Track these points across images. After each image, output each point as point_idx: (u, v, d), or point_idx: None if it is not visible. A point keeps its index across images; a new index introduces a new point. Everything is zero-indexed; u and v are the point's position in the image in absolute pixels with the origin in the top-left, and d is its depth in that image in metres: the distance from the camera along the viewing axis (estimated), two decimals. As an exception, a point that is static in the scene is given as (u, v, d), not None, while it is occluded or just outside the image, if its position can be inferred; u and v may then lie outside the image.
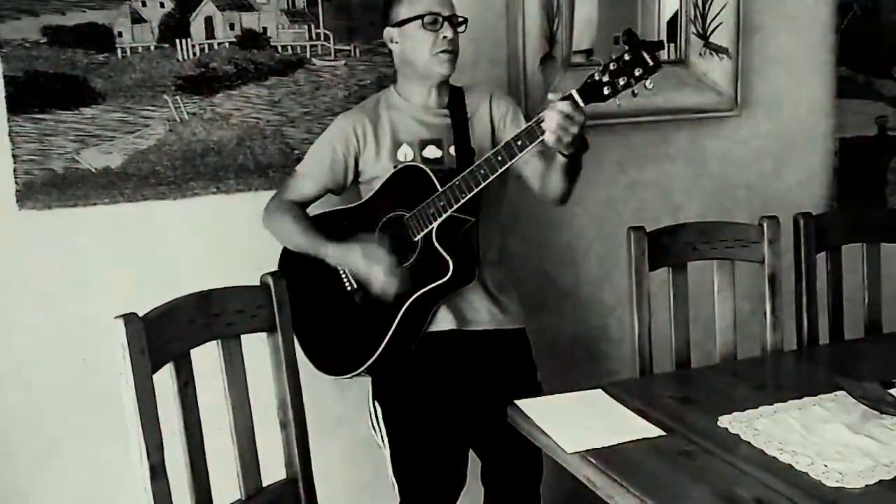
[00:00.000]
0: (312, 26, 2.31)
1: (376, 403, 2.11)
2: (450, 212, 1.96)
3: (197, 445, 1.58)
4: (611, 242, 2.65)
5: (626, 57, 1.78)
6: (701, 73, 2.70)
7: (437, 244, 1.98)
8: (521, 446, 2.02)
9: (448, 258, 1.98)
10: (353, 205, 2.13)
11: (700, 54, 2.69)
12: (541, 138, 1.85)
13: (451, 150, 2.08)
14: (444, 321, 2.05)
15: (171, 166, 2.24)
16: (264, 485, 1.71)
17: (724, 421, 1.67)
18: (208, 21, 2.23)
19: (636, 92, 1.81)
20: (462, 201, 1.94)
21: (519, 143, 1.88)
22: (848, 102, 2.92)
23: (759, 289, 2.22)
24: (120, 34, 2.16)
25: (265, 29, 2.28)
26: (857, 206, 2.93)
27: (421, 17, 2.00)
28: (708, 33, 2.69)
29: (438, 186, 1.96)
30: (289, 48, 2.30)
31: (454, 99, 2.11)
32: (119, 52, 2.16)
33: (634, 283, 2.11)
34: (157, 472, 1.46)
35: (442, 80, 2.07)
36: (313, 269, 2.08)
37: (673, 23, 2.70)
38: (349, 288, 2.08)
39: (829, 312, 2.32)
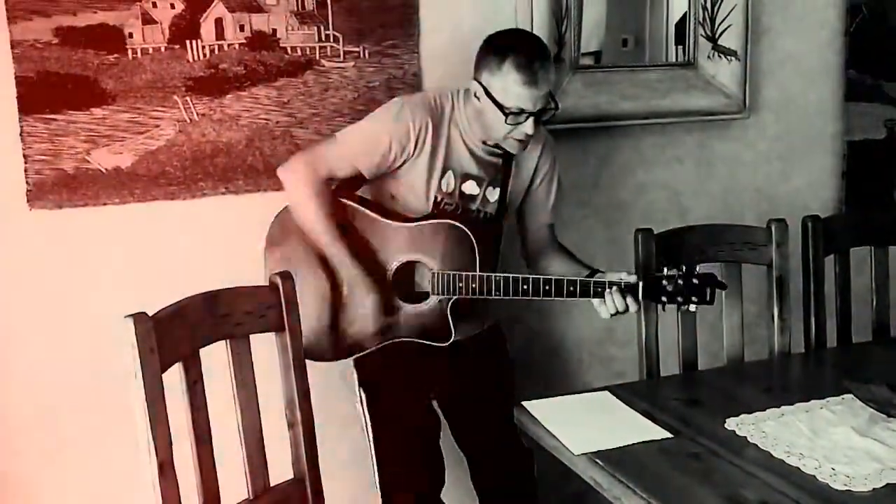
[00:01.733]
0: (322, 28, 2.32)
1: (361, 390, 2.13)
2: (477, 297, 1.97)
3: (205, 444, 1.59)
4: (619, 244, 2.65)
5: (695, 281, 1.89)
6: (709, 76, 2.70)
7: (449, 314, 2.00)
8: (507, 446, 2.05)
9: (453, 330, 2.00)
10: (388, 221, 2.04)
11: (708, 57, 2.69)
12: (594, 301, 1.92)
13: (488, 191, 2.07)
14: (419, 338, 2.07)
15: (180, 167, 2.25)
16: (272, 484, 1.72)
17: (731, 423, 1.67)
18: (218, 22, 2.24)
19: (681, 309, 1.94)
20: (492, 297, 1.96)
21: (572, 289, 1.92)
22: (856, 105, 2.91)
23: (767, 291, 2.22)
24: (131, 35, 2.17)
25: (275, 30, 2.29)
26: (866, 208, 2.92)
27: (507, 111, 1.91)
28: (716, 36, 2.69)
29: (478, 268, 1.96)
30: (298, 49, 2.31)
31: None
32: (130, 52, 2.17)
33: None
34: (166, 471, 1.47)
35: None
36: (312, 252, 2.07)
37: (681, 25, 2.70)
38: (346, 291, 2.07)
39: (837, 315, 2.32)
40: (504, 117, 1.91)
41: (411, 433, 2.10)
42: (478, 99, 1.96)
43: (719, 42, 2.69)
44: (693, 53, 2.69)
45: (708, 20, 2.68)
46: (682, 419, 1.71)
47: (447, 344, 2.01)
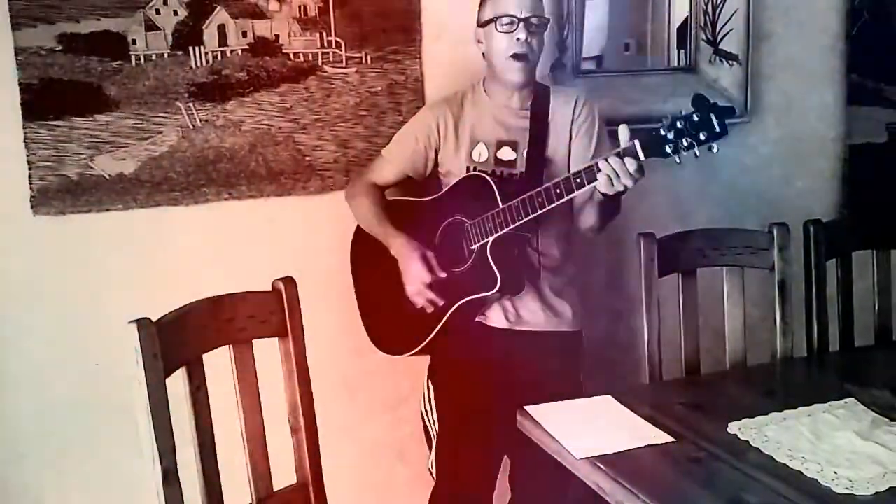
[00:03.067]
0: (324, 34, 2.33)
1: (429, 383, 2.18)
2: (504, 231, 1.99)
3: (209, 449, 1.60)
4: (620, 248, 2.65)
5: (695, 118, 1.76)
6: (711, 80, 2.70)
7: (489, 257, 2.02)
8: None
9: (497, 272, 2.02)
10: (424, 199, 2.20)
11: (710, 61, 2.69)
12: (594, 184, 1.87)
13: (525, 153, 2.09)
14: (499, 320, 2.12)
15: (183, 172, 2.26)
16: (275, 489, 1.72)
17: (733, 427, 1.67)
18: (221, 29, 2.25)
19: (698, 154, 1.78)
20: (517, 223, 1.98)
21: (578, 179, 1.90)
22: (858, 109, 2.91)
23: (769, 295, 2.22)
24: (134, 42, 2.18)
25: (277, 36, 2.30)
26: (868, 212, 2.92)
27: (497, 18, 2.02)
28: (718, 40, 2.70)
29: (500, 202, 1.99)
30: (301, 55, 2.32)
31: (539, 99, 2.11)
32: (133, 59, 2.19)
33: (644, 290, 2.11)
34: (170, 476, 1.47)
35: (520, 86, 2.08)
36: (385, 251, 2.13)
37: (683, 29, 2.70)
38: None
39: (840, 319, 2.32)
40: (500, 35, 2.01)
41: (476, 432, 2.10)
42: (481, 43, 2.09)
43: (721, 46, 2.70)
44: (694, 58, 2.70)
45: (709, 24, 2.69)
46: (684, 423, 1.71)
47: (494, 291, 2.02)
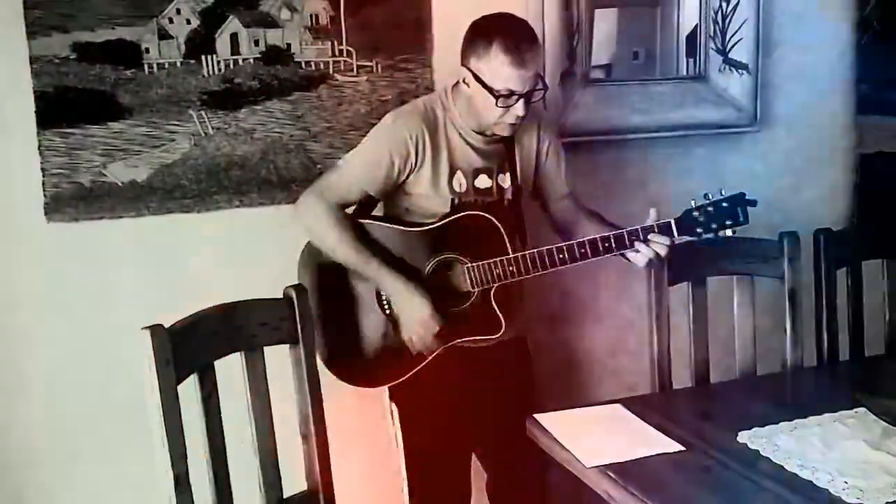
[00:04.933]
0: (335, 43, 2.34)
1: (393, 405, 2.13)
2: (516, 279, 1.98)
3: (220, 456, 1.60)
4: (630, 257, 2.65)
5: (724, 205, 1.93)
6: (721, 89, 2.70)
7: (494, 303, 2.01)
8: (525, 458, 2.03)
9: (502, 319, 2.01)
10: (410, 230, 2.04)
11: (720, 70, 2.70)
12: (628, 251, 1.96)
13: (500, 179, 2.07)
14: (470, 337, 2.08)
15: (195, 180, 2.27)
16: (285, 496, 1.73)
17: (743, 436, 1.67)
18: (233, 37, 2.27)
19: (719, 236, 1.95)
20: (532, 275, 1.97)
21: (606, 244, 1.94)
22: (868, 118, 2.91)
23: (779, 304, 2.22)
24: (147, 50, 2.20)
25: (289, 45, 2.31)
26: (878, 221, 2.91)
27: (497, 94, 1.91)
28: (727, 49, 2.70)
29: (510, 249, 1.97)
30: (312, 64, 2.33)
31: None
32: (146, 67, 2.20)
33: (654, 298, 2.11)
34: (182, 483, 1.48)
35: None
36: (345, 278, 2.07)
37: (692, 38, 2.71)
38: (388, 314, 2.05)
39: (850, 329, 2.31)
40: (495, 101, 1.91)
41: (444, 449, 2.09)
42: (467, 85, 1.96)
43: (730, 55, 2.70)
44: (704, 67, 2.70)
45: (719, 33, 2.69)
46: (694, 432, 1.71)
47: (499, 336, 2.02)
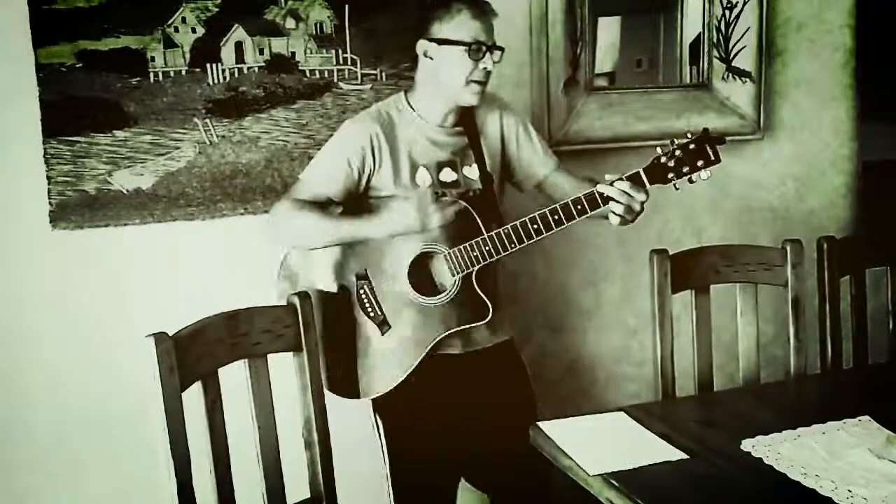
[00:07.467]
0: (340, 51, 2.35)
1: (377, 417, 2.12)
2: (496, 258, 1.98)
3: (223, 463, 1.61)
4: (633, 264, 2.66)
5: (692, 146, 1.91)
6: (724, 97, 2.71)
7: (477, 287, 2.00)
8: (525, 477, 2.02)
9: (488, 302, 2.01)
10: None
11: (723, 78, 2.70)
12: (601, 208, 1.92)
13: (465, 171, 2.08)
14: (454, 346, 2.08)
15: (200, 188, 2.28)
16: (289, 503, 1.73)
17: (747, 444, 1.67)
18: (238, 46, 2.28)
19: (693, 179, 1.92)
20: (510, 251, 1.97)
21: (579, 206, 1.93)
22: (871, 125, 2.91)
23: (783, 312, 2.22)
24: (153, 59, 2.21)
25: (294, 54, 2.32)
26: (881, 229, 2.91)
27: (467, 44, 1.96)
28: (731, 57, 2.71)
29: (484, 230, 1.97)
30: (316, 72, 2.35)
31: (465, 117, 2.09)
32: (151, 76, 2.22)
33: (657, 306, 2.11)
34: (186, 490, 1.49)
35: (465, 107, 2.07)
36: (332, 291, 2.07)
37: (695, 46, 2.71)
38: (372, 315, 2.06)
39: (853, 336, 2.31)
40: (464, 59, 1.96)
41: (431, 467, 2.07)
42: (430, 58, 2.01)
43: (733, 63, 2.71)
44: (707, 75, 2.71)
45: (722, 41, 2.70)
46: (697, 440, 1.71)
47: (485, 321, 2.01)
